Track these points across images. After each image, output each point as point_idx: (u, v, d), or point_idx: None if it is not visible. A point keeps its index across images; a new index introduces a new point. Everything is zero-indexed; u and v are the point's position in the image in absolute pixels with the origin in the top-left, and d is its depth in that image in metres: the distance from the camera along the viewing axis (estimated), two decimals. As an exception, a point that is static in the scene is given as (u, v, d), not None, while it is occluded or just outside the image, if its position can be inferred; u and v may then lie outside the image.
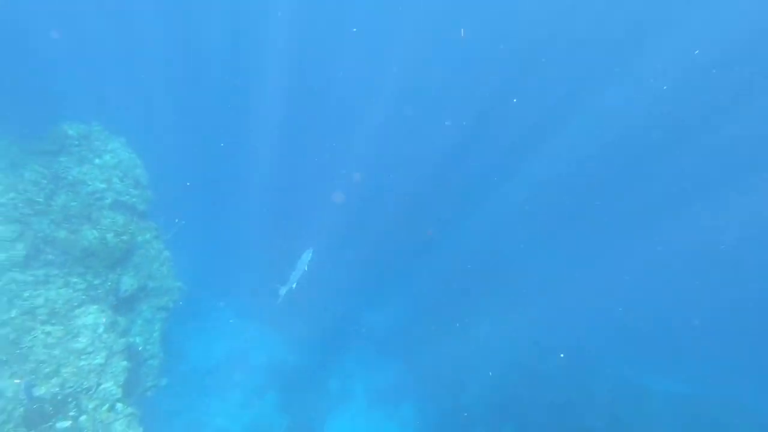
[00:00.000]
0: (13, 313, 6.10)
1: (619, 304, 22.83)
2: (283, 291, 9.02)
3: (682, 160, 21.78)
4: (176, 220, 10.06)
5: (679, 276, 25.46)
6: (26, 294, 6.50)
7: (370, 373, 18.60)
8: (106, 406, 5.79)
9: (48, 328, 6.08)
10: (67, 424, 5.39)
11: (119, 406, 5.91)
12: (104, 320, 6.82)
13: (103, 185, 9.00)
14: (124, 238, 8.18)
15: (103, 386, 6.03)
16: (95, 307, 6.91)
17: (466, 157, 24.97)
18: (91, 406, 5.70)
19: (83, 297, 6.98)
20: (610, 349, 20.55)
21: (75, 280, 7.21)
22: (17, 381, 5.29)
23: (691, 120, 19.80)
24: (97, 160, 9.41)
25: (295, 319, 18.95)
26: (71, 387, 5.71)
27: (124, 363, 6.62)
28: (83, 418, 5.53)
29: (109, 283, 7.77)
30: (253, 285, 19.19)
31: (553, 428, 15.54)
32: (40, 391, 5.46)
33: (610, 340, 21.36)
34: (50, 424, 5.28)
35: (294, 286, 9.12)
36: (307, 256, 9.18)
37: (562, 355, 18.04)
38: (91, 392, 5.83)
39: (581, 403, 16.41)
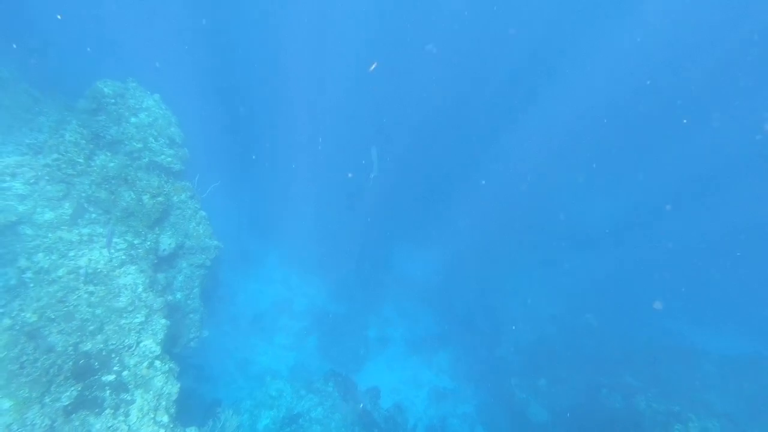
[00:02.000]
0: (60, 272, 6.48)
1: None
2: (372, 175, 9.99)
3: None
4: (213, 184, 10.03)
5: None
6: (72, 253, 6.86)
7: (408, 321, 19.15)
8: (146, 363, 6.15)
9: (91, 287, 6.42)
10: (112, 378, 5.81)
11: (158, 363, 6.27)
12: (143, 280, 7.12)
13: (139, 145, 9.07)
14: (160, 199, 8.31)
15: (143, 343, 6.38)
16: (134, 267, 7.19)
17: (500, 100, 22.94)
18: (132, 362, 6.08)
19: (123, 257, 7.27)
20: (655, 302, 19.29)
21: (116, 240, 7.50)
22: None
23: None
24: (132, 119, 9.43)
25: (336, 266, 19.63)
26: (114, 344, 6.09)
27: (163, 321, 6.95)
28: (125, 373, 5.93)
29: (149, 243, 8.05)
30: (295, 234, 19.85)
31: (589, 384, 15.18)
32: (87, 346, 5.87)
33: (658, 294, 20.01)
34: (97, 377, 5.71)
35: (375, 174, 9.77)
36: (374, 151, 9.97)
37: (589, 316, 17.13)
38: (132, 349, 6.20)
39: (619, 360, 15.69)
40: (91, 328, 6.03)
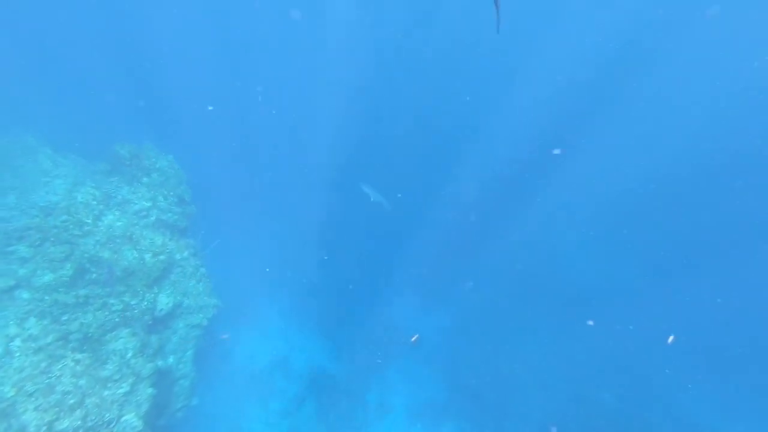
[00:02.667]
0: (50, 339, 6.22)
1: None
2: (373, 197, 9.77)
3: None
4: (216, 241, 10.02)
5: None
6: (65, 317, 6.65)
7: (412, 386, 17.81)
8: (125, 442, 5.62)
9: (78, 355, 6.10)
10: (85, 460, 5.28)
11: (138, 442, 5.72)
12: (134, 344, 6.78)
13: (148, 204, 9.21)
14: (162, 257, 8.22)
15: (124, 418, 5.89)
16: (127, 330, 6.90)
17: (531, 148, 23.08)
18: (109, 441, 5.57)
19: (117, 320, 7.01)
20: (678, 382, 17.62)
21: (113, 301, 7.30)
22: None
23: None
24: (145, 179, 9.70)
25: (337, 323, 18.81)
26: (93, 420, 5.63)
27: (150, 390, 6.49)
28: (100, 455, 5.39)
29: (146, 303, 7.82)
30: (297, 285, 19.37)
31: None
32: (63, 425, 5.42)
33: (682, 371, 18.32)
34: (68, 460, 5.19)
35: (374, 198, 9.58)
36: (366, 188, 9.89)
37: (606, 395, 15.66)
38: (111, 425, 5.71)
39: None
40: (71, 401, 5.62)
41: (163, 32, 18.17)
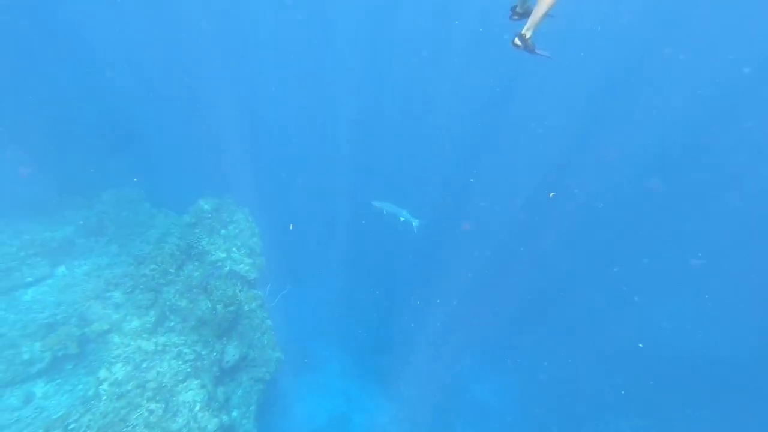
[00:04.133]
0: (130, 386, 6.57)
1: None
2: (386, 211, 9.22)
3: None
4: (284, 289, 10.35)
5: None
6: (144, 365, 7.04)
7: None
8: (187, 505, 5.50)
9: (152, 405, 6.32)
10: None
11: (199, 506, 5.57)
12: (202, 397, 6.89)
13: (223, 255, 9.86)
14: (231, 308, 8.56)
15: (188, 478, 5.83)
16: (197, 382, 7.07)
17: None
18: (173, 502, 5.49)
19: (189, 370, 7.25)
20: None
21: (186, 350, 7.63)
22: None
23: None
24: (222, 231, 10.50)
25: (404, 384, 17.87)
26: (160, 477, 5.64)
27: (214, 448, 6.43)
28: None
29: (215, 354, 8.06)
30: (359, 343, 18.95)
31: None
32: (133, 478, 5.49)
33: None
34: None
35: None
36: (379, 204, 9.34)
37: None
38: (176, 485, 5.67)
39: None
40: (143, 455, 5.73)
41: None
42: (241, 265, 9.79)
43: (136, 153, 15.92)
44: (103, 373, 6.86)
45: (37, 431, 6.22)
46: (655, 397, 16.88)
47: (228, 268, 9.66)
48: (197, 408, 6.69)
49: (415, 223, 10.81)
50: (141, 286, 8.50)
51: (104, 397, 6.56)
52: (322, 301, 18.20)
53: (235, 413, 8.23)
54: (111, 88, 16.57)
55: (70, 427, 6.16)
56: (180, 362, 7.30)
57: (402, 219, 10.13)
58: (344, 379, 17.17)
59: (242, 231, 10.61)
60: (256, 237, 10.72)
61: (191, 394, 6.79)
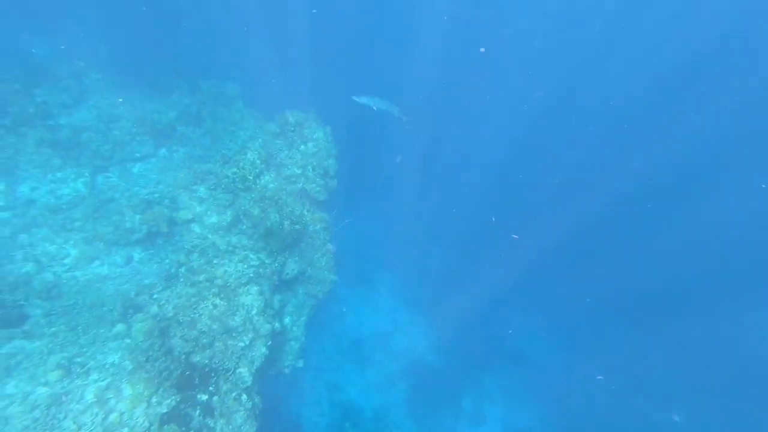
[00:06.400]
0: (201, 277, 7.27)
1: None
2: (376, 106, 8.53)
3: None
4: (346, 220, 10.32)
5: None
6: (215, 261, 7.68)
7: (511, 404, 16.68)
8: (235, 393, 6.28)
9: (217, 300, 6.99)
10: (204, 398, 6.09)
11: (244, 397, 6.34)
12: (259, 303, 7.46)
13: (298, 171, 9.88)
14: (297, 227, 8.76)
15: (239, 370, 6.57)
16: (256, 288, 7.61)
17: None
18: (225, 388, 6.29)
19: (251, 275, 7.79)
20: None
21: (252, 256, 8.15)
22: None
23: None
24: (302, 147, 10.38)
25: (446, 315, 18.53)
26: (216, 363, 6.42)
27: (264, 350, 7.11)
28: (216, 398, 6.15)
29: (276, 264, 8.54)
30: (415, 268, 19.48)
31: None
32: (195, 358, 6.31)
33: None
34: (193, 393, 6.05)
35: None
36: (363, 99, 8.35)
37: None
38: (228, 374, 6.44)
39: None
40: (204, 341, 6.50)
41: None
42: (313, 185, 9.78)
43: (241, 47, 16.00)
44: (182, 258, 7.67)
45: (131, 290, 7.36)
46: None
47: (300, 185, 9.72)
48: (254, 312, 7.28)
49: (404, 118, 9.37)
50: (222, 186, 8.99)
51: (181, 279, 7.41)
52: (385, 227, 18.53)
53: (287, 320, 8.98)
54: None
55: (154, 296, 7.15)
56: (245, 266, 7.85)
57: (396, 114, 8.76)
58: (394, 300, 18.13)
59: (320, 150, 10.40)
60: (332, 158, 10.49)
61: (250, 298, 7.36)
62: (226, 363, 6.50)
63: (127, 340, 6.26)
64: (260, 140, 10.20)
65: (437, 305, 18.76)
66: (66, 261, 7.33)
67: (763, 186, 16.45)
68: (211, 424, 5.94)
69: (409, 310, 19.00)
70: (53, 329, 6.10)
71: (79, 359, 5.94)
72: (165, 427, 5.58)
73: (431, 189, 19.64)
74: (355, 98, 8.44)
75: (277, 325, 7.91)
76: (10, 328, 5.70)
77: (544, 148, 22.21)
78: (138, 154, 10.19)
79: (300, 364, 9.26)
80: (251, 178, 9.10)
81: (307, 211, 9.24)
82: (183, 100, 11.75)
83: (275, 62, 14.83)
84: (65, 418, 5.28)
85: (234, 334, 6.84)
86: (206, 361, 6.39)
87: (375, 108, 8.55)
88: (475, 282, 19.58)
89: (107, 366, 5.93)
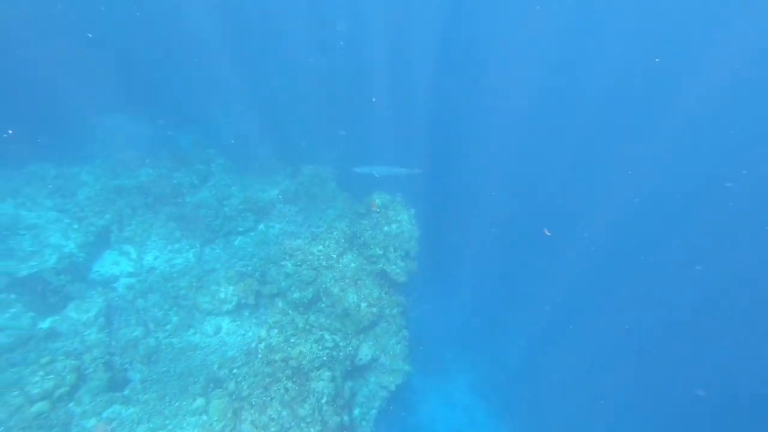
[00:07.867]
0: (277, 357, 7.26)
1: None
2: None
3: None
4: (426, 305, 9.84)
5: None
6: (292, 340, 7.69)
7: None
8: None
9: (289, 384, 6.81)
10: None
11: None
12: (330, 390, 7.08)
13: (380, 252, 9.96)
14: (374, 310, 8.54)
15: (301, 469, 6.05)
16: (329, 374, 7.30)
17: None
18: (283, 488, 5.78)
19: (325, 358, 7.57)
20: None
21: (327, 337, 8.01)
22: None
23: None
24: (386, 228, 10.62)
25: (529, 416, 15.77)
26: (279, 457, 6.02)
27: (329, 447, 6.53)
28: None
29: (350, 348, 8.24)
30: (493, 366, 17.46)
31: None
32: (260, 448, 6.01)
33: None
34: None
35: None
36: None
37: None
38: (289, 472, 5.95)
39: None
40: (273, 430, 6.22)
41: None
42: (393, 267, 9.69)
43: (338, 133, 18.03)
44: (263, 333, 7.86)
45: (215, 362, 7.63)
46: None
47: (381, 266, 9.70)
48: (324, 400, 6.90)
49: (415, 171, 8.95)
50: (307, 263, 9.39)
51: (260, 356, 7.50)
52: (462, 314, 17.26)
53: (356, 412, 8.34)
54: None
55: (234, 371, 7.29)
56: (319, 347, 7.70)
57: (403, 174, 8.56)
58: (471, 396, 16.10)
59: (403, 232, 10.48)
60: (414, 241, 10.44)
61: (321, 384, 7.05)
62: (290, 459, 6.05)
63: (204, 417, 6.30)
64: (347, 220, 10.71)
65: (517, 405, 16.18)
66: (167, 327, 8.04)
67: None
68: None
69: (488, 407, 16.67)
70: (146, 396, 6.45)
71: None
72: None
73: (518, 273, 18.19)
74: (356, 170, 8.98)
75: (345, 418, 7.35)
76: (113, 392, 6.17)
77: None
78: (241, 228, 11.40)
79: (366, 466, 8.30)
80: (335, 256, 9.39)
81: (386, 293, 9.04)
82: (285, 181, 13.22)
83: (372, 147, 16.24)
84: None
85: (302, 425, 6.46)
86: (271, 454, 6.04)
87: (377, 175, 8.94)
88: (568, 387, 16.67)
89: (181, 443, 5.96)
